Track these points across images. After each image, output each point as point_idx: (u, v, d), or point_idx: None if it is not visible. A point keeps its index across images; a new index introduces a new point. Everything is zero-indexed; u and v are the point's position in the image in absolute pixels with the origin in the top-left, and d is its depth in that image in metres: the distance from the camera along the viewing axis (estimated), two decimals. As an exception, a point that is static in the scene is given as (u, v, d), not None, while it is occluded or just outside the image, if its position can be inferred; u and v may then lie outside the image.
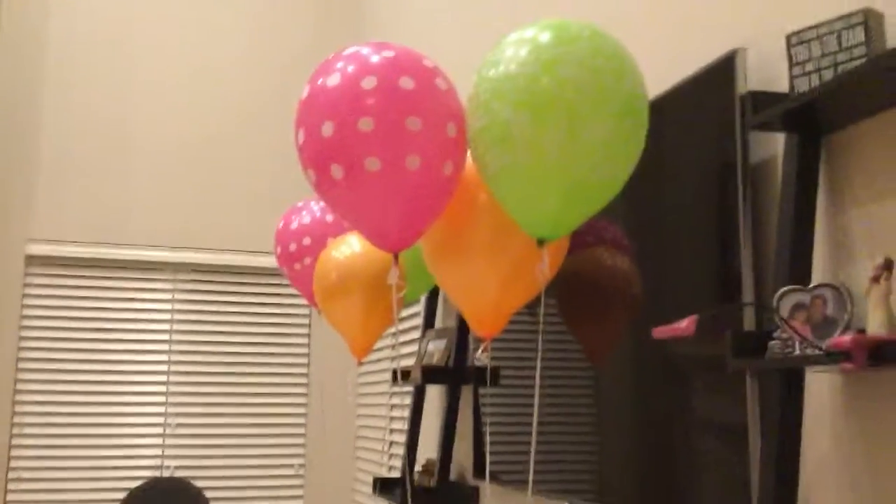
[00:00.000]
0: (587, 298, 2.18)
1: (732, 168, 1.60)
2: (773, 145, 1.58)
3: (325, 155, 1.60)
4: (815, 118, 1.40)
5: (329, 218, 2.47)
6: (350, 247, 2.35)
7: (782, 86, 1.55)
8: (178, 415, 4.64)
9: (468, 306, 1.77)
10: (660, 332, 1.25)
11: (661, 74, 1.97)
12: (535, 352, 2.42)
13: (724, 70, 1.65)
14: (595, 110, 1.47)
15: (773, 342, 1.35)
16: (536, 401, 1.62)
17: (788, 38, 1.42)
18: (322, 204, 2.58)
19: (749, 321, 1.55)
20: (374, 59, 1.61)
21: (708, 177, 1.69)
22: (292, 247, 2.46)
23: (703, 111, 1.72)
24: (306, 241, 2.45)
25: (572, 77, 1.47)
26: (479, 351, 1.72)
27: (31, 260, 4.54)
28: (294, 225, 2.47)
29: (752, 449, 1.51)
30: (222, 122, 4.89)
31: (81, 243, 4.59)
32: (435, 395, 3.34)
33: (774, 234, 1.55)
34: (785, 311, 1.33)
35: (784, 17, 1.58)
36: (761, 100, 1.50)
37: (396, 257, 1.67)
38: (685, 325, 1.18)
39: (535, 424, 1.58)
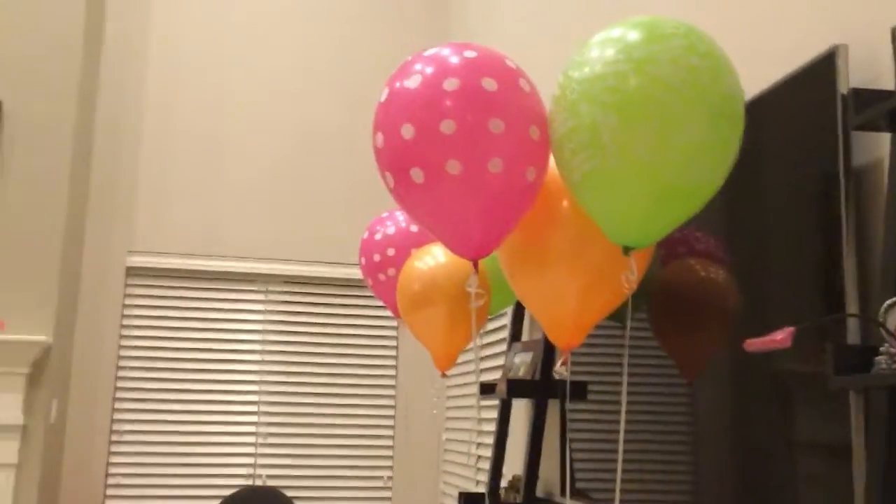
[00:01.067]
0: (680, 311, 2.09)
1: (834, 171, 1.51)
2: (879, 147, 1.48)
3: (405, 158, 1.56)
4: (924, 116, 1.30)
5: (413, 228, 2.46)
6: (433, 257, 2.32)
7: (888, 83, 1.45)
8: (269, 424, 4.70)
9: (547, 317, 1.71)
10: (753, 344, 1.17)
11: (758, 73, 1.88)
12: (621, 366, 2.34)
13: (824, 68, 1.55)
14: (689, 111, 1.39)
15: (879, 357, 1.25)
16: (623, 417, 1.55)
17: (894, 31, 1.32)
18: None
19: (853, 335, 1.45)
20: (456, 60, 1.57)
21: (808, 181, 1.60)
22: (376, 257, 2.45)
23: (803, 112, 1.63)
24: (390, 251, 2.44)
25: (665, 76, 1.39)
26: (559, 364, 1.66)
27: (131, 271, 4.68)
28: (378, 235, 2.46)
29: (856, 469, 1.41)
30: (311, 136, 4.95)
31: (178, 255, 4.72)
32: (522, 409, 3.28)
33: (881, 241, 1.45)
34: (892, 323, 1.23)
35: (888, 9, 1.48)
36: (864, 98, 1.40)
37: (476, 265, 1.62)
38: (781, 337, 1.10)
39: (621, 441, 1.51)
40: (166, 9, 4.89)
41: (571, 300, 1.67)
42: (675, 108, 1.39)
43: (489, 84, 1.56)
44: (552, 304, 1.69)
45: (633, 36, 1.44)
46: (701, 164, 1.44)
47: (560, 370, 1.66)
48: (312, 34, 5.04)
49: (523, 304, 1.87)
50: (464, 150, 1.53)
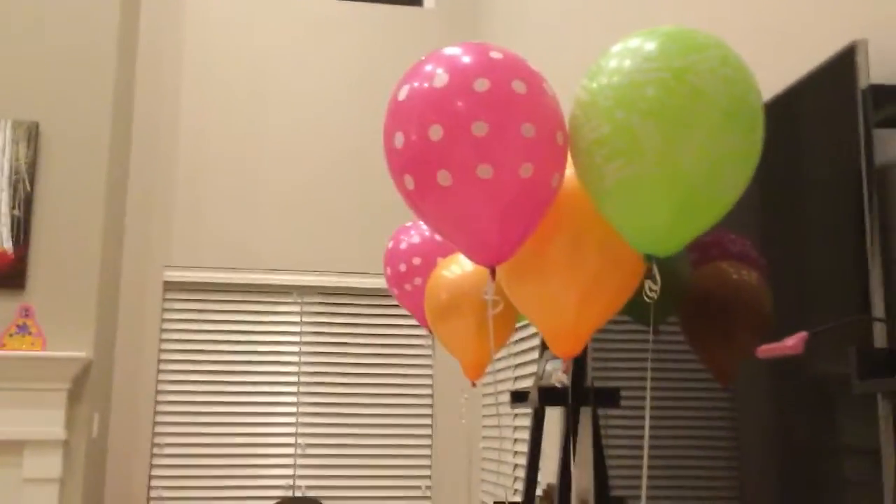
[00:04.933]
0: (711, 315, 2.06)
1: (857, 170, 1.48)
2: (902, 144, 1.45)
3: (433, 159, 1.49)
4: (946, 111, 1.27)
5: (439, 237, 2.45)
6: (460, 266, 2.31)
7: (910, 78, 1.41)
8: (308, 434, 4.72)
9: (545, 327, 1.69)
10: (765, 351, 1.15)
11: (779, 72, 1.85)
12: (658, 371, 2.32)
13: (843, 65, 1.52)
14: (728, 122, 1.40)
15: (904, 360, 1.22)
16: (647, 423, 1.53)
17: (913, 24, 1.29)
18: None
19: (880, 337, 1.41)
20: (482, 60, 1.51)
21: (831, 181, 1.57)
22: (402, 267, 2.45)
23: (824, 110, 1.60)
24: (416, 261, 2.43)
25: (704, 86, 1.39)
26: (560, 371, 1.65)
27: (169, 285, 4.74)
28: (403, 245, 2.46)
29: (885, 474, 1.37)
30: (341, 152, 4.98)
31: (214, 269, 4.77)
32: (557, 417, 3.25)
33: (906, 240, 1.41)
34: (917, 324, 1.20)
35: (909, 3, 1.45)
36: (883, 94, 1.37)
37: (493, 272, 1.60)
38: (791, 343, 1.08)
39: (646, 448, 1.49)
40: (199, 27, 4.95)
41: (569, 309, 1.65)
42: (714, 118, 1.39)
43: (519, 87, 1.51)
44: (550, 314, 1.67)
45: (669, 45, 1.44)
46: (732, 174, 1.44)
47: (561, 378, 1.64)
48: (342, 54, 5.07)
49: (522, 314, 1.85)
50: (496, 153, 1.48)
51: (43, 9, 4.31)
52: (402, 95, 1.55)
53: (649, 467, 2.32)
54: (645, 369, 2.45)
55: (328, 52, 5.06)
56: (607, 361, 2.75)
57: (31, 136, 4.15)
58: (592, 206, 1.66)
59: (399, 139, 1.53)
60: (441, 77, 1.51)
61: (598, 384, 2.76)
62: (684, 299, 2.16)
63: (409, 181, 1.54)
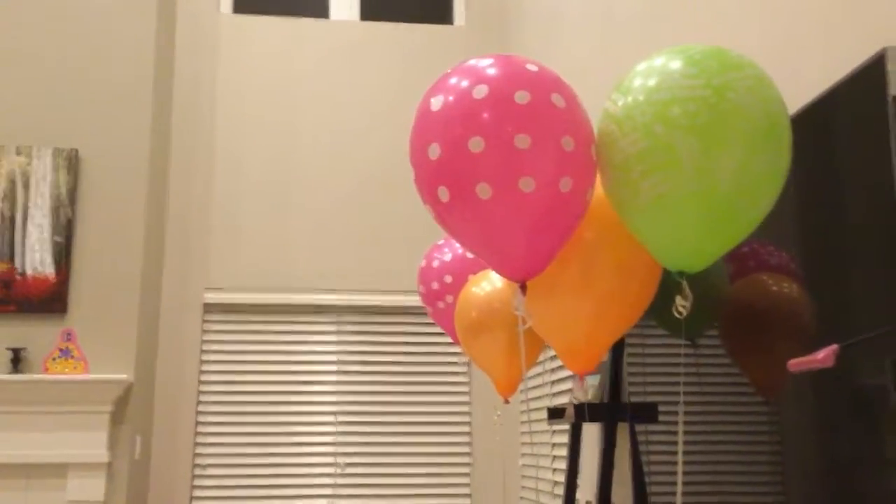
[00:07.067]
0: (753, 327, 2.03)
1: (890, 180, 1.45)
2: (936, 151, 1.42)
3: (472, 172, 1.46)
4: (979, 117, 1.24)
5: (470, 255, 2.45)
6: (490, 283, 2.31)
7: (941, 84, 1.39)
8: (347, 454, 4.73)
9: (558, 342, 1.67)
10: (796, 364, 1.13)
11: (799, 84, 1.82)
12: (697, 385, 2.28)
13: (873, 73, 1.50)
14: (763, 140, 1.41)
15: (941, 372, 1.19)
16: (681, 438, 1.51)
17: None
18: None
19: (918, 348, 1.38)
20: (521, 72, 1.50)
21: (863, 191, 1.54)
22: (434, 285, 2.45)
23: (854, 119, 1.57)
24: (448, 278, 2.43)
25: (744, 104, 1.40)
26: (577, 388, 1.63)
27: (209, 307, 4.79)
28: (436, 263, 2.46)
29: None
30: (375, 171, 5.01)
31: (253, 290, 4.81)
32: (596, 433, 3.22)
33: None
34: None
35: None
36: (913, 101, 1.35)
37: (524, 287, 1.58)
38: (822, 356, 1.06)
39: (680, 465, 1.47)
40: (233, 53, 5.02)
41: (582, 325, 1.63)
42: (752, 136, 1.40)
43: (558, 100, 1.49)
44: (563, 330, 1.66)
45: (707, 63, 1.44)
46: (763, 191, 1.44)
47: (578, 395, 1.62)
48: (373, 74, 5.11)
49: (535, 330, 1.83)
50: (539, 166, 1.46)
51: (81, 39, 4.41)
52: (435, 106, 1.52)
53: (692, 483, 2.29)
54: (685, 383, 2.41)
55: (359, 72, 5.10)
56: (646, 376, 2.72)
57: (72, 163, 4.23)
58: (604, 222, 1.65)
59: (434, 150, 1.50)
60: (480, 89, 1.48)
61: (636, 399, 2.73)
62: (723, 312, 2.13)
63: (444, 193, 1.50)
